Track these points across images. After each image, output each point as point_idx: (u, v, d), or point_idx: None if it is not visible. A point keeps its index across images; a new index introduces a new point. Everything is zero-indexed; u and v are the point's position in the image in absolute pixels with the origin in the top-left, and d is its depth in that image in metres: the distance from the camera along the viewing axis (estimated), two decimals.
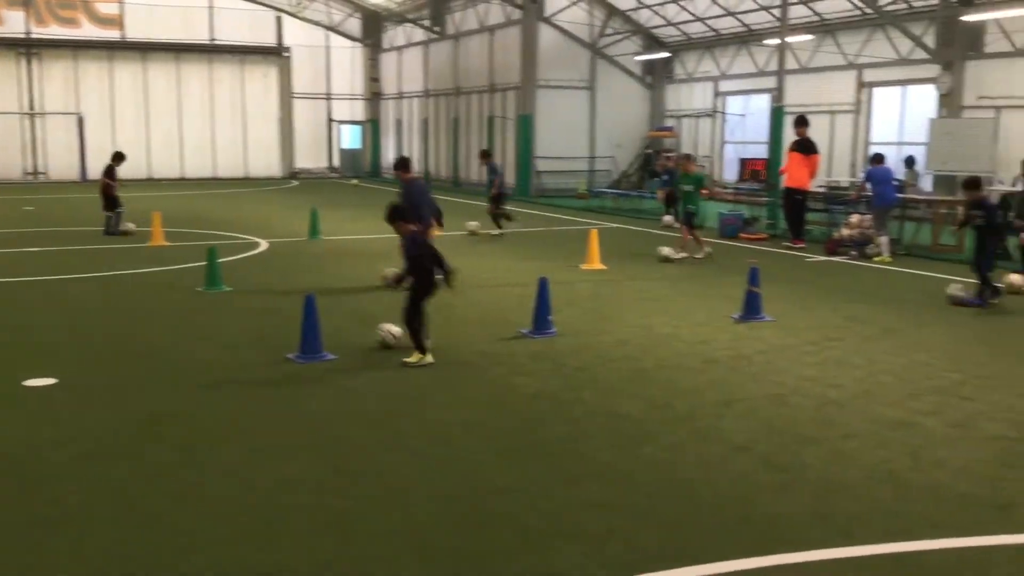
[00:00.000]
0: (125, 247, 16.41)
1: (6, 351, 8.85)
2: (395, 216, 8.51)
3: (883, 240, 15.41)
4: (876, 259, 15.15)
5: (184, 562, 4.52)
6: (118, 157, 19.34)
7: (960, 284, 11.53)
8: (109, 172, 18.73)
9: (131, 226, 18.10)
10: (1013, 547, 4.74)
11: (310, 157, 40.48)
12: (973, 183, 11.58)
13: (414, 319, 8.29)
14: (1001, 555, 4.66)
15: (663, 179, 21.55)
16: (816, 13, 24.10)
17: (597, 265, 14.24)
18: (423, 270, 8.33)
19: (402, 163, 12.36)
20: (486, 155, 20.53)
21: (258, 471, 5.76)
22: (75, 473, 5.72)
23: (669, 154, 22.59)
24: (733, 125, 28.11)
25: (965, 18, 19.79)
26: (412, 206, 10.38)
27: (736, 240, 18.01)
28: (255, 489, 5.47)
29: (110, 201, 18.35)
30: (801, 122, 17.45)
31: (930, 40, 21.10)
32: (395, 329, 8.84)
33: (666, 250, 15.16)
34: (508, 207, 19.27)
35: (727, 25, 27.19)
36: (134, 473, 5.72)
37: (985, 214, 11.33)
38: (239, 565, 4.49)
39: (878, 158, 16.14)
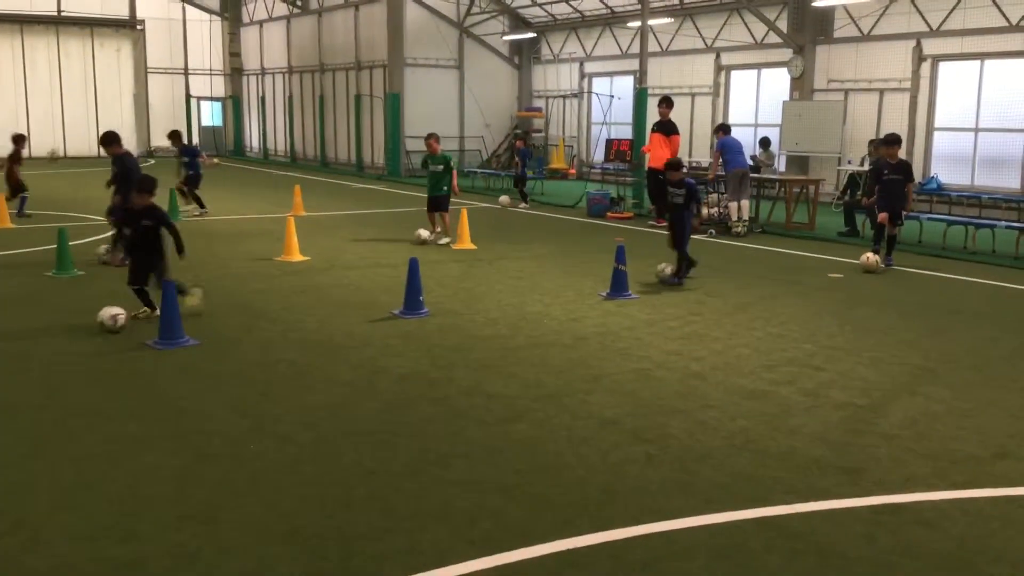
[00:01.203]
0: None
1: None
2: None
3: (742, 204, 15.92)
4: (738, 228, 15.67)
5: (33, 559, 4.28)
6: (20, 139, 18.21)
7: (667, 264, 11.55)
8: (15, 156, 17.71)
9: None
10: (862, 508, 5.01)
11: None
12: (674, 164, 11.77)
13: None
14: (851, 516, 4.92)
15: (516, 160, 21.82)
16: None
17: (468, 245, 14.26)
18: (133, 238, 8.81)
19: (111, 138, 12.39)
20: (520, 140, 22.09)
21: (115, 462, 5.51)
22: None
23: (518, 132, 23.03)
24: (602, 106, 28.55)
25: (815, 4, 20.68)
26: (128, 179, 11.29)
27: (603, 219, 18.34)
28: (112, 480, 5.23)
29: (16, 185, 17.42)
30: (665, 103, 17.87)
31: (783, 25, 21.97)
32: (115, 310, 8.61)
33: (424, 233, 14.69)
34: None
35: (592, 7, 27.57)
36: None
37: (685, 193, 11.44)
38: (96, 560, 4.29)
39: (724, 128, 16.72)
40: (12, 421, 6.24)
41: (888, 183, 12.81)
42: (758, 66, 23.85)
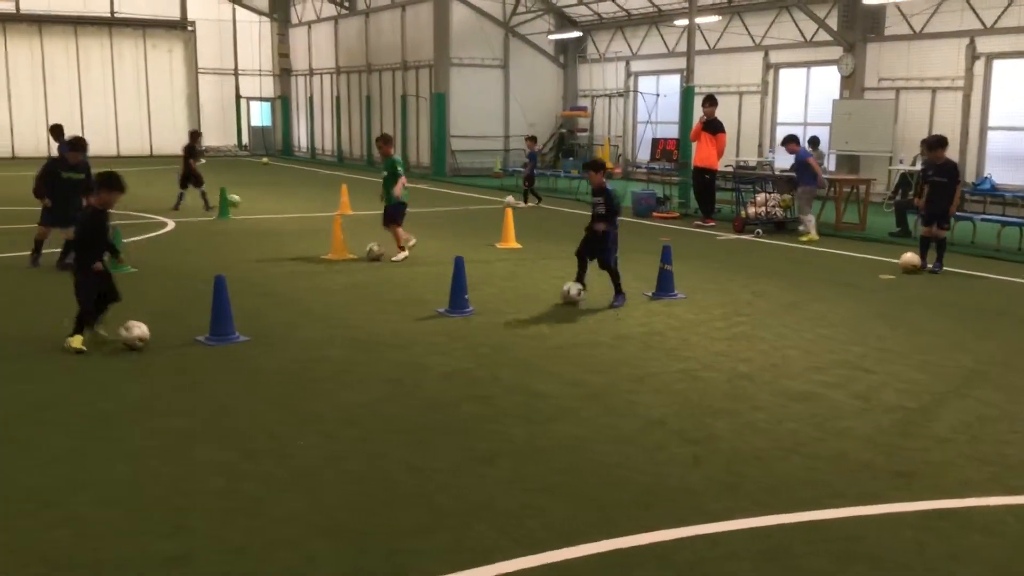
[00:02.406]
0: (13, 228, 15.71)
1: None
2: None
3: (810, 219, 15.67)
4: (804, 238, 15.38)
5: (84, 552, 4.36)
6: (196, 135, 19.83)
7: (574, 283, 10.00)
8: (190, 150, 18.86)
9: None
10: (914, 513, 4.91)
11: (218, 135, 39.44)
12: (594, 165, 10.28)
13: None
14: (902, 521, 4.82)
15: (525, 160, 21.37)
16: None
17: (512, 244, 14.25)
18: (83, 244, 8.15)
19: (78, 143, 12.17)
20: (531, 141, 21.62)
21: (163, 457, 5.59)
22: None
23: (533, 135, 22.75)
24: (648, 105, 28.39)
25: (866, 1, 20.35)
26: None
27: (649, 219, 18.23)
28: (160, 475, 5.31)
29: (195, 178, 18.65)
30: (710, 101, 17.71)
31: (833, 22, 21.65)
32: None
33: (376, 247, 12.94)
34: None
35: (638, 5, 27.41)
36: (30, 462, 5.49)
37: (604, 202, 9.94)
38: (143, 554, 4.35)
39: (797, 139, 16.36)
40: (63, 416, 6.36)
41: (933, 185, 12.56)
42: (807, 64, 23.53)
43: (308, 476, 5.32)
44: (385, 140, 13.40)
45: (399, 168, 13.00)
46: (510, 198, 20.38)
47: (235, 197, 19.41)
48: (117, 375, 7.32)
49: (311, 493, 5.07)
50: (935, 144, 12.68)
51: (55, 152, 14.46)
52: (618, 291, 10.03)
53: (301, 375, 7.38)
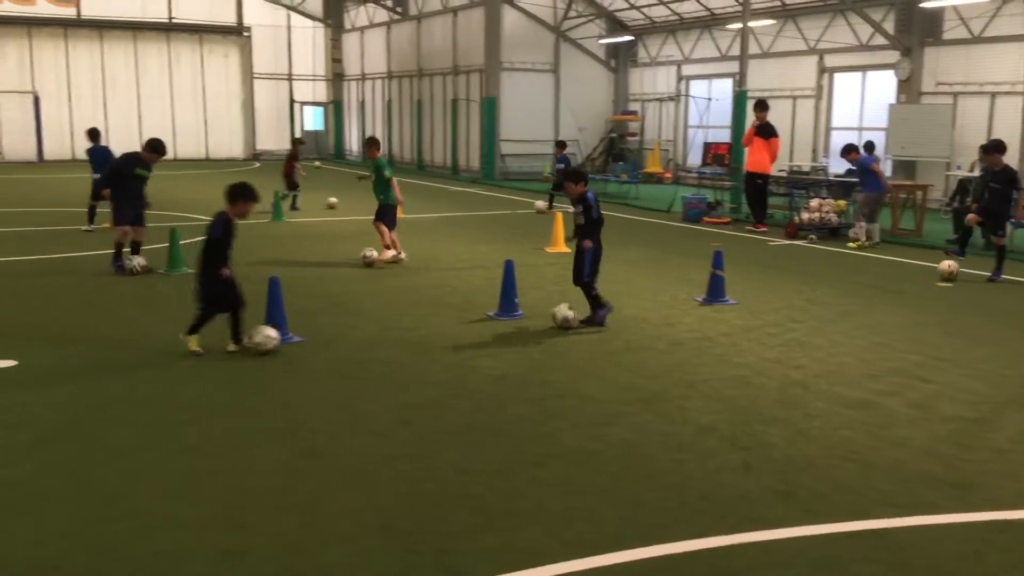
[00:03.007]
0: (79, 229, 16.11)
1: None
2: None
3: (872, 226, 15.32)
4: (852, 244, 15.15)
5: (144, 544, 4.46)
6: (299, 142, 21.31)
7: (567, 304, 9.30)
8: (294, 155, 19.91)
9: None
10: (971, 524, 4.83)
11: (272, 138, 40.03)
12: (571, 175, 9.62)
13: None
14: (959, 532, 4.74)
15: (557, 165, 21.01)
16: None
17: (562, 248, 14.25)
18: None
19: (159, 146, 12.04)
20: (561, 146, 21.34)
21: (221, 454, 5.70)
22: (35, 455, 5.62)
23: (561, 140, 22.42)
24: (699, 109, 28.21)
25: (924, 5, 20.03)
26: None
27: (700, 224, 18.12)
28: (219, 471, 5.42)
29: (291, 182, 19.64)
30: (761, 106, 17.57)
31: (889, 26, 21.34)
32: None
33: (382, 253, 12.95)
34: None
35: (690, 9, 27.27)
36: (95, 456, 5.64)
37: (584, 211, 9.28)
38: (203, 546, 4.45)
39: (856, 148, 16.14)
40: (125, 412, 6.51)
41: (990, 191, 12.32)
42: (863, 68, 23.21)
43: (361, 475, 5.39)
44: (371, 143, 13.55)
45: (387, 171, 13.07)
46: (540, 203, 20.32)
47: (333, 200, 19.90)
48: (176, 374, 7.47)
49: (364, 492, 5.14)
50: (990, 148, 12.44)
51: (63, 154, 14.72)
52: (596, 307, 9.18)
53: (354, 375, 7.46)
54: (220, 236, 7.97)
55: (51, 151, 35.23)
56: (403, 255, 12.98)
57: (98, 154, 16.22)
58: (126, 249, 11.93)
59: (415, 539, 4.56)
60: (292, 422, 6.31)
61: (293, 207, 19.37)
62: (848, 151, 15.75)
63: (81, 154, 35.49)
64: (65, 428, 6.13)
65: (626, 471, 5.49)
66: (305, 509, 4.89)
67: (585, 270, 9.20)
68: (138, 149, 12.04)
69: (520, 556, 4.39)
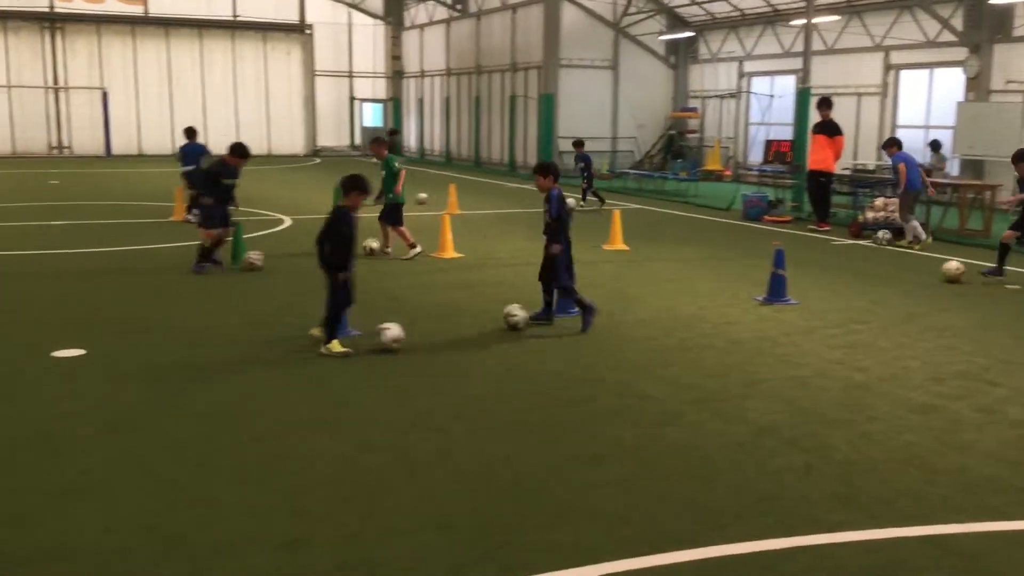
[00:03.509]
0: (146, 222, 16.49)
1: (35, 322, 8.94)
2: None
3: (914, 225, 15.16)
4: (902, 244, 14.89)
5: (208, 531, 4.56)
6: (394, 132, 20.98)
7: (519, 305, 8.97)
8: (390, 147, 19.80)
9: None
10: None
11: (332, 135, 40.52)
12: (540, 168, 9.12)
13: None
14: None
15: (578, 164, 20.77)
16: None
17: (620, 246, 14.20)
18: None
19: (244, 151, 12.29)
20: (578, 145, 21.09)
21: (286, 444, 5.80)
22: (103, 443, 5.78)
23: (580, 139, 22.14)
24: (761, 106, 27.86)
25: (993, 1, 19.50)
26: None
27: (760, 222, 17.89)
28: (283, 460, 5.51)
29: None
30: (824, 104, 17.27)
31: (958, 23, 20.82)
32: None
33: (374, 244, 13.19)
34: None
35: (752, 5, 26.93)
36: (161, 444, 5.77)
37: (549, 208, 8.87)
38: (264, 535, 4.53)
39: (899, 143, 15.78)
40: (191, 402, 6.65)
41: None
42: (930, 65, 22.68)
43: (419, 469, 5.44)
44: (378, 142, 13.58)
45: (395, 167, 13.22)
46: (570, 200, 20.11)
47: (423, 195, 20.06)
48: (241, 365, 7.62)
49: (422, 486, 5.18)
50: (1019, 158, 12.05)
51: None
52: (585, 311, 8.83)
53: (413, 370, 7.53)
54: (350, 233, 7.91)
55: (118, 146, 36.08)
56: (419, 248, 13.02)
57: (192, 151, 16.76)
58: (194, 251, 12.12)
59: (472, 534, 4.59)
60: (351, 415, 6.39)
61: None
62: (888, 145, 15.47)
63: (148, 149, 36.51)
64: (133, 416, 6.29)
65: (683, 471, 5.45)
66: (364, 501, 4.96)
67: (561, 277, 8.86)
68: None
69: (577, 553, 4.39)
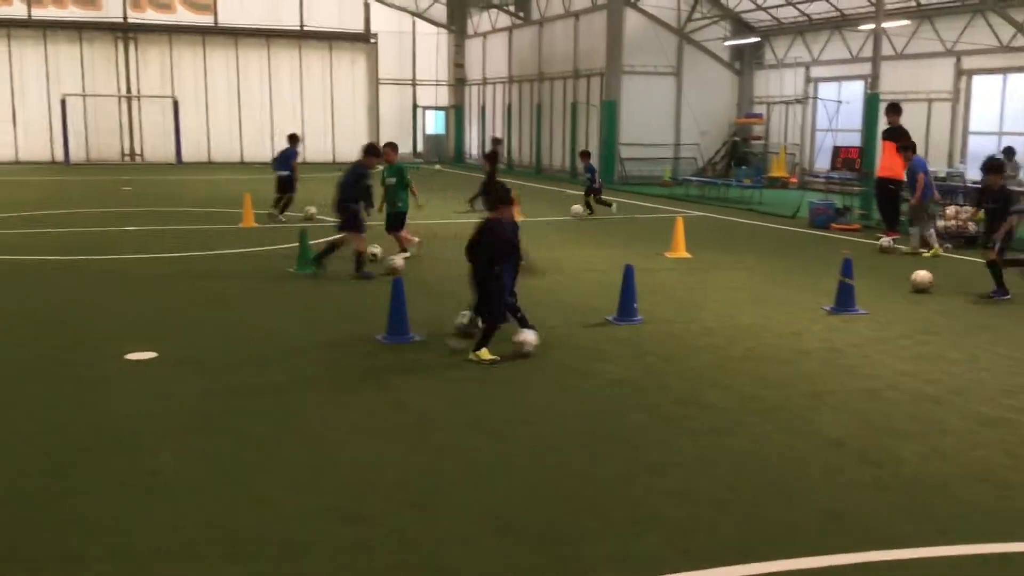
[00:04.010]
0: (215, 228, 16.83)
1: (109, 325, 9.18)
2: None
3: (917, 234, 14.63)
4: (928, 254, 14.31)
5: (272, 533, 4.62)
6: (498, 142, 21.52)
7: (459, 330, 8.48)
8: (493, 156, 20.20)
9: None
10: None
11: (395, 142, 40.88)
12: (498, 197, 8.46)
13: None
14: None
15: (587, 175, 20.21)
16: None
17: (682, 253, 14.07)
18: None
19: (378, 150, 12.63)
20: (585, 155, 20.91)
21: (344, 447, 5.86)
22: (171, 444, 5.90)
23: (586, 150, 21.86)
24: (828, 112, 27.41)
25: None
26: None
27: (827, 230, 17.58)
28: (342, 464, 5.57)
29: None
30: (893, 110, 16.92)
31: None
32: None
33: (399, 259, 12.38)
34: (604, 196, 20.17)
35: (820, 10, 26.52)
36: (226, 445, 5.87)
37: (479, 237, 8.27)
38: (326, 538, 4.57)
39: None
40: (255, 403, 6.76)
41: (988, 211, 11.66)
42: (1003, 71, 22.07)
43: (479, 474, 5.44)
44: (392, 148, 13.55)
45: (407, 176, 13.24)
46: (576, 207, 19.82)
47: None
48: (304, 369, 7.71)
49: (482, 491, 5.19)
50: (992, 169, 11.74)
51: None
52: (524, 326, 8.38)
53: (473, 376, 7.54)
54: (511, 238, 8.09)
55: (188, 154, 36.91)
56: (416, 239, 13.32)
57: (289, 156, 17.78)
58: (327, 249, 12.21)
59: (533, 541, 4.58)
60: (411, 419, 6.43)
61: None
62: (905, 148, 15.11)
63: (217, 157, 37.30)
64: (200, 418, 6.41)
65: (747, 483, 5.37)
66: (423, 506, 4.97)
67: (499, 301, 8.19)
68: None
69: (640, 564, 4.35)
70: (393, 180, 13.15)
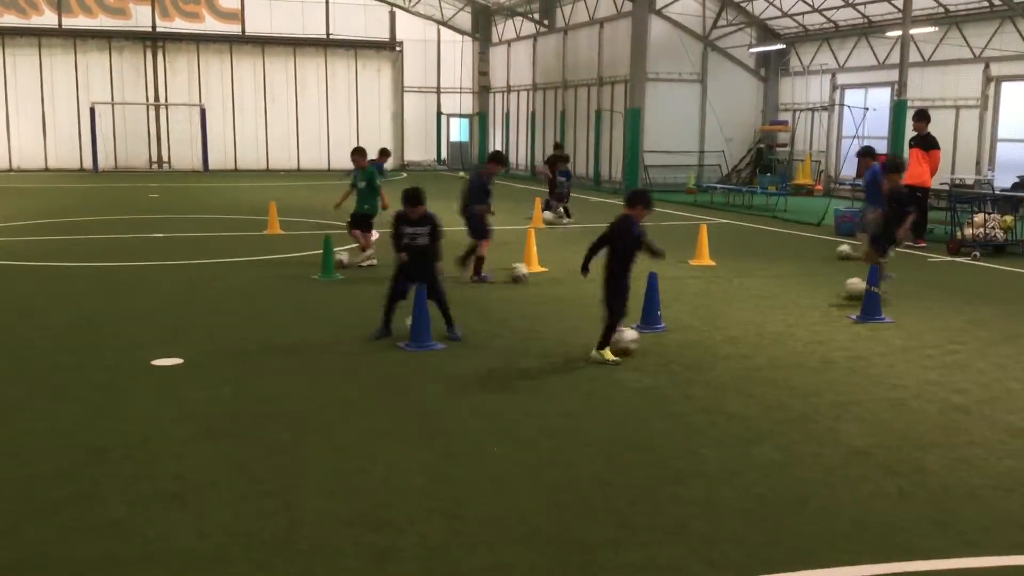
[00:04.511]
0: (241, 235, 16.96)
1: (136, 331, 9.28)
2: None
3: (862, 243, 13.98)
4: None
5: (300, 539, 4.66)
6: (560, 147, 22.20)
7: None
8: (555, 162, 20.58)
9: (549, 216, 19.78)
10: None
11: (419, 150, 41.11)
12: (411, 197, 9.10)
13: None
14: None
15: (561, 179, 20.12)
16: (941, 4, 23.15)
17: (707, 261, 14.03)
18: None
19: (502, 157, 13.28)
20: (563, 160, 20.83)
21: (370, 454, 5.89)
22: (197, 450, 5.95)
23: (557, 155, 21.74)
24: (855, 119, 27.22)
25: None
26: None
27: (853, 238, 17.46)
28: (368, 471, 5.60)
29: (557, 193, 20.17)
30: (920, 117, 16.80)
31: None
32: None
33: (353, 257, 13.29)
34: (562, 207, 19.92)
35: (846, 16, 26.39)
36: (253, 451, 5.92)
37: (429, 231, 9.06)
38: (353, 544, 4.60)
39: (873, 153, 14.92)
40: (282, 410, 6.81)
41: (891, 209, 11.27)
42: None
43: (504, 482, 5.46)
44: (360, 153, 13.84)
45: (378, 179, 13.65)
46: (548, 214, 19.73)
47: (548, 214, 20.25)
48: (329, 376, 7.77)
49: (507, 499, 5.20)
50: (893, 168, 11.45)
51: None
52: (383, 328, 9.04)
53: (498, 384, 7.57)
54: (640, 233, 8.58)
55: (215, 161, 37.23)
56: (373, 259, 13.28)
57: (378, 170, 17.97)
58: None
59: (558, 549, 4.59)
60: (436, 427, 6.45)
61: (566, 215, 19.86)
62: (863, 154, 14.68)
63: (243, 164, 37.61)
64: (226, 424, 6.48)
65: (772, 493, 5.35)
66: (449, 513, 5.00)
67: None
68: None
69: (664, 573, 4.35)
70: (364, 184, 13.53)
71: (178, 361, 8.06)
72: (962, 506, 5.17)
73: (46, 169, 35.78)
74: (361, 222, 13.61)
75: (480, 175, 12.86)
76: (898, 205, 11.15)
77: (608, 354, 8.17)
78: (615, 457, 5.90)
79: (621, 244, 8.52)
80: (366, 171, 13.67)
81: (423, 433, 6.32)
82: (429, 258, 9.02)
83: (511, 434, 6.32)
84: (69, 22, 35.74)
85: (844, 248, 14.96)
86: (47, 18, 35.55)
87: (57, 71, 35.85)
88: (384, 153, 18.12)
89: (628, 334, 8.47)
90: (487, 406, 6.96)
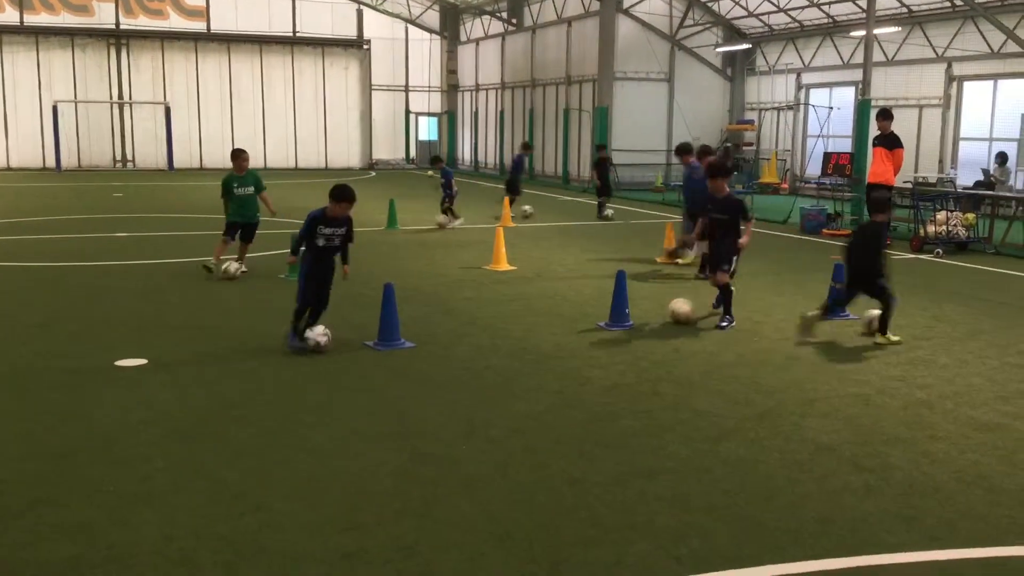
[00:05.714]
0: (207, 234, 16.80)
1: (100, 332, 9.16)
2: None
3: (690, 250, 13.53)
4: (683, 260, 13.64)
5: (269, 541, 4.63)
6: (603, 148, 22.30)
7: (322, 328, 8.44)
8: (602, 163, 20.84)
9: (610, 212, 20.41)
10: None
11: (387, 148, 40.98)
12: (338, 194, 8.53)
13: None
14: None
15: (442, 182, 18.89)
16: (904, 5, 23.46)
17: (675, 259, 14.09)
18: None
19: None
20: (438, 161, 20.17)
21: (340, 456, 5.86)
22: (164, 451, 5.89)
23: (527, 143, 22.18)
24: (820, 118, 27.52)
25: None
26: None
27: (818, 236, 17.65)
28: (338, 473, 5.57)
29: (605, 188, 20.75)
30: (884, 116, 16.99)
31: (1023, 32, 20.38)
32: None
33: (234, 267, 12.24)
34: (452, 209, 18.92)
35: (811, 16, 26.68)
36: (220, 453, 5.87)
37: (344, 234, 8.64)
38: (323, 546, 4.58)
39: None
40: (251, 412, 6.76)
41: (716, 223, 9.89)
42: (994, 76, 22.24)
43: (475, 482, 5.45)
44: (243, 155, 12.63)
45: (263, 184, 12.68)
46: (441, 217, 18.56)
47: (528, 208, 20.45)
48: (300, 377, 7.72)
49: (478, 499, 5.20)
50: (717, 173, 10.00)
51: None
52: (294, 336, 8.53)
53: (467, 383, 7.56)
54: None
55: (180, 160, 36.88)
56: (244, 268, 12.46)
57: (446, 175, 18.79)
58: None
59: (529, 548, 4.59)
60: (407, 427, 6.44)
61: (601, 215, 20.27)
62: (681, 151, 14.04)
63: (209, 163, 37.27)
64: (194, 425, 6.41)
65: (740, 488, 5.39)
66: (420, 514, 4.98)
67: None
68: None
69: (633, 571, 4.37)
70: (251, 189, 12.43)
71: (143, 362, 7.97)
72: (927, 501, 5.24)
73: (8, 168, 35.24)
74: (252, 232, 12.61)
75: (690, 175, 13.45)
76: (733, 216, 9.76)
77: (894, 336, 8.89)
78: (585, 454, 5.92)
79: (875, 246, 9.20)
80: (249, 175, 12.48)
81: (392, 433, 6.30)
82: (334, 261, 8.62)
83: (481, 434, 6.31)
84: (31, 19, 35.23)
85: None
86: (8, 15, 35.01)
87: (19, 68, 35.33)
88: (525, 147, 19.25)
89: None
90: (456, 406, 6.95)
